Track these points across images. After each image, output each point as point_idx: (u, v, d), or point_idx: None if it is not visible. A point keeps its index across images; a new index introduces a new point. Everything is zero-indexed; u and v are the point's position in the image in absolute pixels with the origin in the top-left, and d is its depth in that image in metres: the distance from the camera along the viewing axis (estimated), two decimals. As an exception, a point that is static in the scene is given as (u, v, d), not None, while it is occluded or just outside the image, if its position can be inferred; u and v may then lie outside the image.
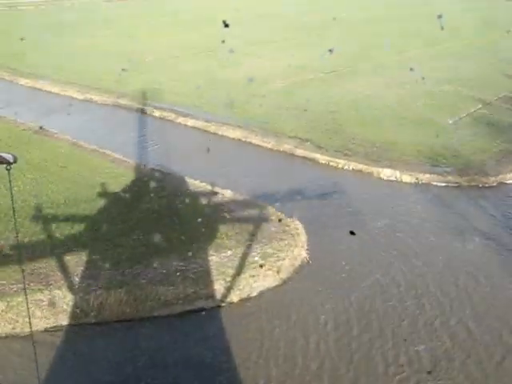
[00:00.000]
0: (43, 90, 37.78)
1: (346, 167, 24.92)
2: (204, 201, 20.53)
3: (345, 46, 51.74)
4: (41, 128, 28.45)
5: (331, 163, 25.34)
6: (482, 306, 14.54)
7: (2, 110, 32.33)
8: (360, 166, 24.62)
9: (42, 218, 17.77)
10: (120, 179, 21.74)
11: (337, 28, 63.60)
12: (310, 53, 47.72)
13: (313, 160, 25.85)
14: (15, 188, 18.75)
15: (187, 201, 20.34)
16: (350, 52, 48.67)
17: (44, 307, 13.92)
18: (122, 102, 34.37)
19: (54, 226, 17.40)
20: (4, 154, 7.75)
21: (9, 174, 7.92)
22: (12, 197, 9.28)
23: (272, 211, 19.75)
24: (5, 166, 7.84)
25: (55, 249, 16.20)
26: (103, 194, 19.85)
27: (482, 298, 14.92)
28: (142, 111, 33.07)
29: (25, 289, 12.48)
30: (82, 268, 15.44)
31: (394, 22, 71.60)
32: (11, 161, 7.72)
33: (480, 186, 22.83)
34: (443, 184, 22.97)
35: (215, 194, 21.05)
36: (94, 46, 49.69)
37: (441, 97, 35.15)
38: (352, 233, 18.51)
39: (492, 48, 55.42)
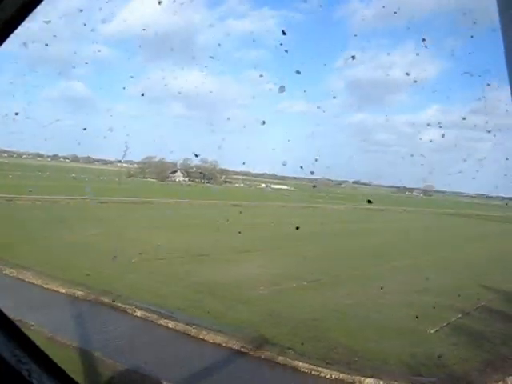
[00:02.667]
0: (26, 281, 37.75)
1: (328, 376, 24.25)
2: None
3: (325, 258, 53.70)
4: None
5: (313, 372, 24.71)
6: None
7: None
8: (342, 376, 24.03)
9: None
10: (93, 380, 20.87)
11: (318, 239, 66.57)
12: (293, 262, 49.19)
13: (294, 368, 25.19)
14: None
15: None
16: (330, 263, 50.35)
17: None
18: (105, 299, 34.17)
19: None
20: None
21: None
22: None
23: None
24: None
25: None
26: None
27: None
28: (124, 310, 32.78)
29: None
30: None
31: (369, 236, 75.27)
32: None
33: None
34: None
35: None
36: (82, 243, 50.85)
37: (421, 306, 35.65)
38: None
39: (466, 261, 57.96)
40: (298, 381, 24.13)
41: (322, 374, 24.39)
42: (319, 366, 24.87)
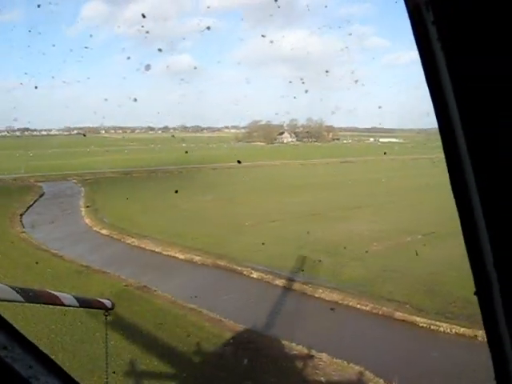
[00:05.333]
0: (147, 249, 40.22)
1: (447, 331, 23.70)
2: (299, 364, 20.06)
3: (440, 210, 51.59)
4: (145, 287, 30.09)
5: (432, 326, 24.24)
6: None
7: (106, 266, 34.49)
8: (463, 330, 23.30)
9: (134, 373, 17.94)
10: (214, 340, 21.96)
11: (431, 190, 64.08)
12: (407, 216, 47.95)
13: (412, 323, 24.89)
14: (112, 342, 18.94)
15: (281, 365, 19.94)
16: (445, 215, 48.37)
17: None
18: (221, 263, 35.55)
19: (145, 382, 17.55)
20: (103, 300, 8.00)
21: (106, 320, 8.09)
22: (106, 348, 9.44)
23: (370, 377, 18.86)
24: (103, 312, 7.99)
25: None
26: (197, 353, 20.02)
27: None
28: (240, 272, 33.91)
29: None
30: None
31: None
32: (109, 307, 7.83)
33: None
34: None
35: (311, 357, 20.58)
36: (196, 210, 53.04)
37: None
38: None
39: None
40: (418, 336, 23.81)
41: (442, 329, 23.86)
42: (438, 321, 24.33)
